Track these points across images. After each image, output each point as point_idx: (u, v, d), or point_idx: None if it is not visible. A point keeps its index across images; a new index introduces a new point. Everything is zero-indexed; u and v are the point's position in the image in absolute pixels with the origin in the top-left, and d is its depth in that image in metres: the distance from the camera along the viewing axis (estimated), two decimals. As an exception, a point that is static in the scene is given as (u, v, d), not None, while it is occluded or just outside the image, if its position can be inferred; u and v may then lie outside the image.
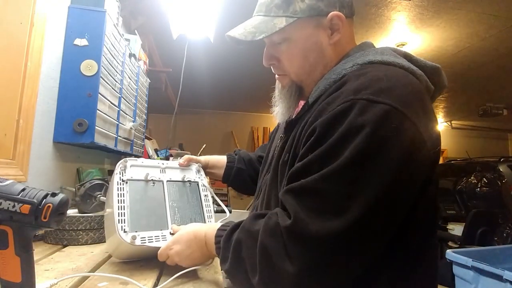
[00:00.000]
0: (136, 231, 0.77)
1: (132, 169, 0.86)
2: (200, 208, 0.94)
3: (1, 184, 0.49)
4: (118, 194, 0.79)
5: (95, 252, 0.93)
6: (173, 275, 0.70)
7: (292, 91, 0.71)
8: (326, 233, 0.49)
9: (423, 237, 0.60)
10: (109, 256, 0.90)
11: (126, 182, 0.83)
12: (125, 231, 0.75)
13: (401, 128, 0.51)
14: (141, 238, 0.77)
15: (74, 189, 1.26)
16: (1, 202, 0.48)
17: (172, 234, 0.81)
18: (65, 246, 0.98)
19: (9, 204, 0.48)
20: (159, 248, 0.75)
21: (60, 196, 0.50)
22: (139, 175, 0.86)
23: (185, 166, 1.00)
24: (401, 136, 0.51)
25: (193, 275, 0.73)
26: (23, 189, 0.49)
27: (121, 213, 0.77)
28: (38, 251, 0.91)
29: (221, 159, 1.12)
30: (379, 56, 0.62)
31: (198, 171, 1.01)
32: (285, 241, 0.52)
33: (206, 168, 1.08)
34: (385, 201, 0.50)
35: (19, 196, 0.48)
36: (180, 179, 0.95)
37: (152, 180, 0.88)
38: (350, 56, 0.67)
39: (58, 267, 0.77)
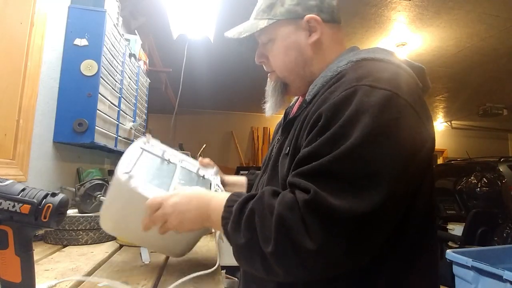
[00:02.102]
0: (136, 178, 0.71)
1: (152, 145, 0.85)
2: None
3: (1, 184, 0.49)
4: (130, 153, 0.75)
5: (95, 252, 0.93)
6: (172, 276, 0.70)
7: (277, 87, 0.79)
8: (348, 211, 0.48)
9: (422, 232, 0.61)
10: (109, 256, 0.90)
11: (143, 150, 0.80)
12: (126, 172, 0.68)
13: (403, 111, 0.55)
14: (139, 182, 0.69)
15: (74, 189, 1.26)
16: (1, 202, 0.48)
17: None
18: (65, 246, 0.98)
19: (9, 204, 0.48)
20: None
21: (60, 196, 0.50)
22: (156, 151, 0.84)
23: (204, 165, 0.96)
24: (405, 118, 0.54)
25: (194, 277, 0.73)
26: (23, 189, 0.49)
27: (130, 162, 0.72)
28: (38, 251, 0.91)
29: (240, 178, 1.06)
30: (372, 54, 0.66)
31: (216, 174, 0.96)
32: (303, 215, 0.50)
33: (224, 186, 1.01)
34: (401, 179, 0.52)
35: (19, 196, 0.48)
36: (195, 171, 0.91)
37: (167, 160, 0.85)
38: (343, 55, 0.71)
39: (58, 267, 0.77)
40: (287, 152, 0.66)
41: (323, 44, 0.74)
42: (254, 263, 0.54)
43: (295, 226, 0.50)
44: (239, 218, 0.57)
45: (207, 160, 0.98)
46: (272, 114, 0.82)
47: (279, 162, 0.69)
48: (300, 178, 0.54)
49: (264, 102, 0.83)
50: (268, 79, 0.82)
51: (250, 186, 1.04)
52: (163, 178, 0.78)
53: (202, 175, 0.91)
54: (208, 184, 0.89)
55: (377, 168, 0.51)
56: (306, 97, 0.70)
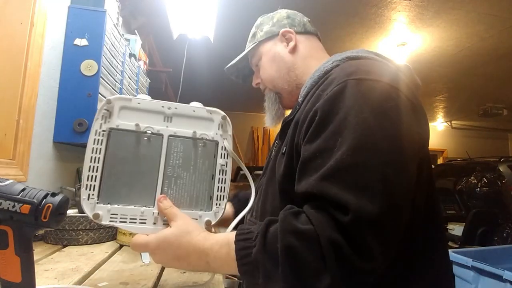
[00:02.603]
0: (109, 203, 0.59)
1: (121, 114, 0.63)
2: (209, 184, 0.65)
3: (1, 184, 0.49)
4: (93, 149, 0.60)
5: (95, 252, 0.93)
6: (172, 276, 0.69)
7: (272, 99, 0.86)
8: (385, 208, 0.46)
9: (427, 229, 0.60)
10: (109, 256, 0.90)
11: (108, 134, 0.61)
12: (91, 200, 0.57)
13: (399, 98, 0.56)
14: (112, 215, 0.58)
15: (74, 189, 1.26)
16: (1, 202, 0.48)
17: (156, 216, 0.60)
18: (65, 246, 0.98)
19: (9, 204, 0.48)
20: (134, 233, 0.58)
21: (60, 196, 0.50)
22: (129, 124, 0.62)
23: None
24: (400, 105, 0.56)
25: (195, 277, 0.73)
26: (23, 189, 0.49)
27: (92, 176, 0.58)
28: (38, 251, 0.91)
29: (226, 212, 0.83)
30: (355, 53, 0.69)
31: (222, 126, 0.69)
32: (354, 236, 0.45)
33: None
34: (411, 165, 0.53)
35: (19, 196, 0.48)
36: (190, 135, 0.65)
37: (147, 132, 0.63)
38: (329, 59, 0.74)
39: (58, 267, 0.77)
40: (283, 151, 0.67)
41: (302, 50, 0.83)
42: None
43: (349, 251, 0.45)
44: (270, 266, 0.47)
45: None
46: (272, 126, 0.87)
47: (277, 161, 0.69)
48: (330, 185, 0.49)
49: (264, 111, 0.89)
50: (265, 97, 0.89)
51: (237, 213, 0.82)
52: (147, 162, 0.62)
53: (201, 137, 0.66)
54: (213, 152, 0.66)
55: (392, 155, 0.51)
56: (298, 99, 0.73)
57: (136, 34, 2.07)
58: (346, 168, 0.49)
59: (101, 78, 1.36)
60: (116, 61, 1.58)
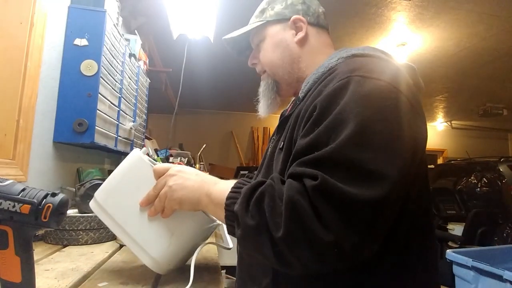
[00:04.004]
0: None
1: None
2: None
3: (1, 184, 0.49)
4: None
5: (95, 252, 0.93)
6: (172, 276, 0.69)
7: (269, 85, 0.82)
8: (361, 198, 0.46)
9: (418, 233, 0.60)
10: (109, 256, 0.90)
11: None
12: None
13: (398, 99, 0.55)
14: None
15: (74, 189, 1.26)
16: (1, 202, 0.48)
17: None
18: (65, 246, 0.98)
19: (9, 204, 0.48)
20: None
21: (60, 196, 0.50)
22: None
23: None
24: (400, 106, 0.55)
25: (194, 277, 0.73)
26: (23, 189, 0.49)
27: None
28: (38, 251, 0.91)
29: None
30: (361, 50, 0.68)
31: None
32: (314, 202, 0.48)
33: None
34: (405, 163, 0.52)
35: (19, 196, 0.48)
36: None
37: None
38: (333, 54, 0.73)
39: (58, 267, 0.77)
40: (281, 146, 0.66)
41: (310, 43, 0.79)
42: (263, 247, 0.51)
43: (306, 213, 0.48)
44: (248, 199, 0.54)
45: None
46: (266, 114, 0.84)
47: (274, 158, 0.68)
48: (304, 167, 0.52)
49: (257, 103, 0.85)
50: (261, 81, 0.85)
51: None
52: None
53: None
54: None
55: (381, 154, 0.50)
56: (299, 95, 0.71)
57: (136, 34, 2.07)
58: (332, 158, 0.50)
59: (101, 78, 1.36)
60: (116, 61, 1.58)
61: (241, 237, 0.55)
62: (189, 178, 0.66)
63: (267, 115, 0.84)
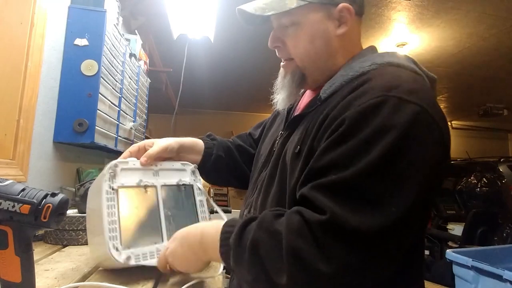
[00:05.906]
0: (129, 248, 0.69)
1: (123, 174, 0.74)
2: (195, 215, 0.84)
3: (1, 184, 0.49)
4: (108, 206, 0.68)
5: (95, 252, 0.93)
6: (172, 276, 0.69)
7: (295, 78, 0.71)
8: (368, 229, 0.46)
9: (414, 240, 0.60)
10: (109, 256, 0.89)
11: (117, 191, 0.71)
12: (117, 250, 0.67)
13: (430, 129, 0.53)
14: (135, 256, 0.69)
15: (74, 189, 1.26)
16: (1, 202, 0.48)
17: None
18: (65, 246, 0.98)
19: (9, 204, 0.48)
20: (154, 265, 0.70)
21: (60, 196, 0.50)
22: (131, 181, 0.75)
23: (148, 165, 0.80)
24: (430, 137, 0.52)
25: (194, 277, 0.73)
26: (23, 189, 0.49)
27: (113, 228, 0.67)
28: (38, 251, 0.90)
29: (199, 143, 0.97)
30: (396, 59, 0.63)
31: (193, 173, 0.89)
32: (319, 239, 0.47)
33: (180, 152, 0.90)
34: (419, 198, 0.50)
35: (19, 196, 0.48)
36: (175, 183, 0.83)
37: (145, 186, 0.77)
38: (365, 55, 0.68)
39: (58, 267, 0.77)
40: (297, 151, 0.62)
41: (349, 38, 0.69)
42: None
43: (309, 255, 0.47)
44: (239, 252, 0.52)
45: (147, 154, 0.80)
46: (284, 107, 0.76)
47: (288, 161, 0.65)
48: (317, 193, 0.50)
49: (273, 96, 0.77)
50: (281, 70, 0.75)
51: (207, 155, 0.94)
52: (149, 208, 0.76)
53: (182, 183, 0.84)
54: (191, 193, 0.85)
55: (399, 186, 0.49)
56: (321, 94, 0.66)
57: (136, 34, 2.07)
58: (349, 186, 0.49)
59: (101, 78, 1.36)
60: (117, 61, 1.58)
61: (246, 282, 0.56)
62: (181, 254, 0.65)
63: (285, 108, 0.77)
